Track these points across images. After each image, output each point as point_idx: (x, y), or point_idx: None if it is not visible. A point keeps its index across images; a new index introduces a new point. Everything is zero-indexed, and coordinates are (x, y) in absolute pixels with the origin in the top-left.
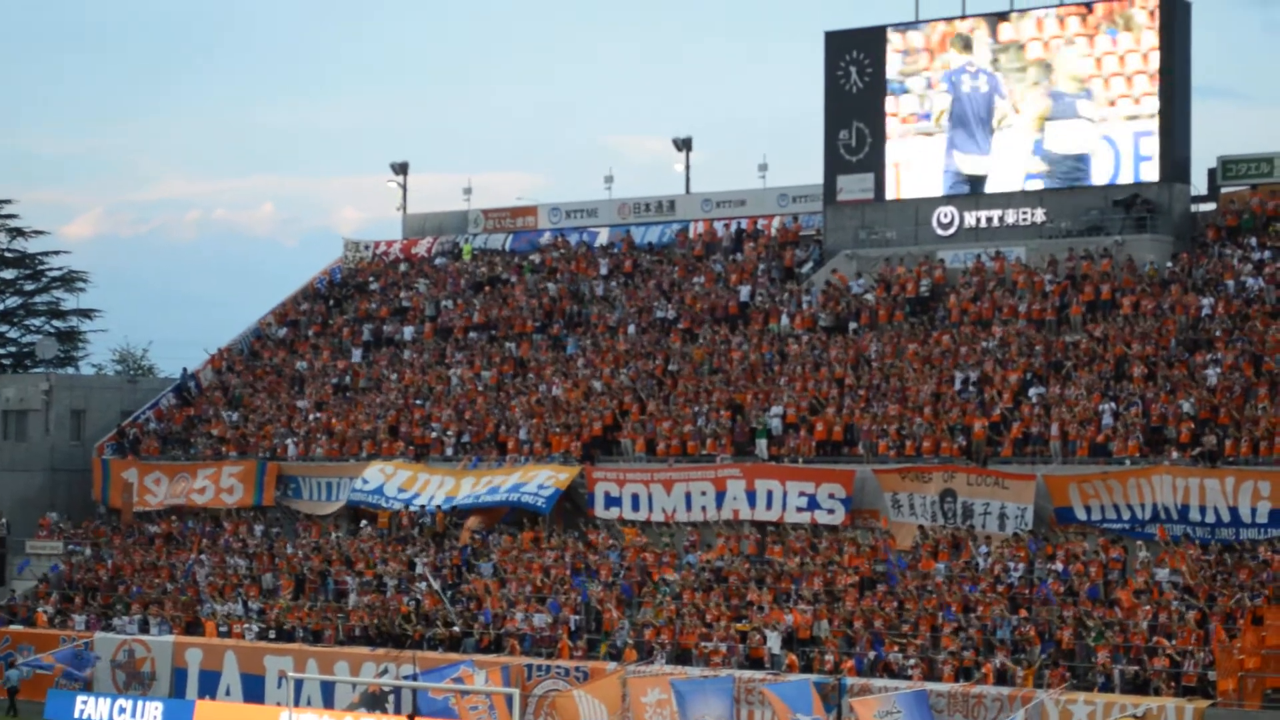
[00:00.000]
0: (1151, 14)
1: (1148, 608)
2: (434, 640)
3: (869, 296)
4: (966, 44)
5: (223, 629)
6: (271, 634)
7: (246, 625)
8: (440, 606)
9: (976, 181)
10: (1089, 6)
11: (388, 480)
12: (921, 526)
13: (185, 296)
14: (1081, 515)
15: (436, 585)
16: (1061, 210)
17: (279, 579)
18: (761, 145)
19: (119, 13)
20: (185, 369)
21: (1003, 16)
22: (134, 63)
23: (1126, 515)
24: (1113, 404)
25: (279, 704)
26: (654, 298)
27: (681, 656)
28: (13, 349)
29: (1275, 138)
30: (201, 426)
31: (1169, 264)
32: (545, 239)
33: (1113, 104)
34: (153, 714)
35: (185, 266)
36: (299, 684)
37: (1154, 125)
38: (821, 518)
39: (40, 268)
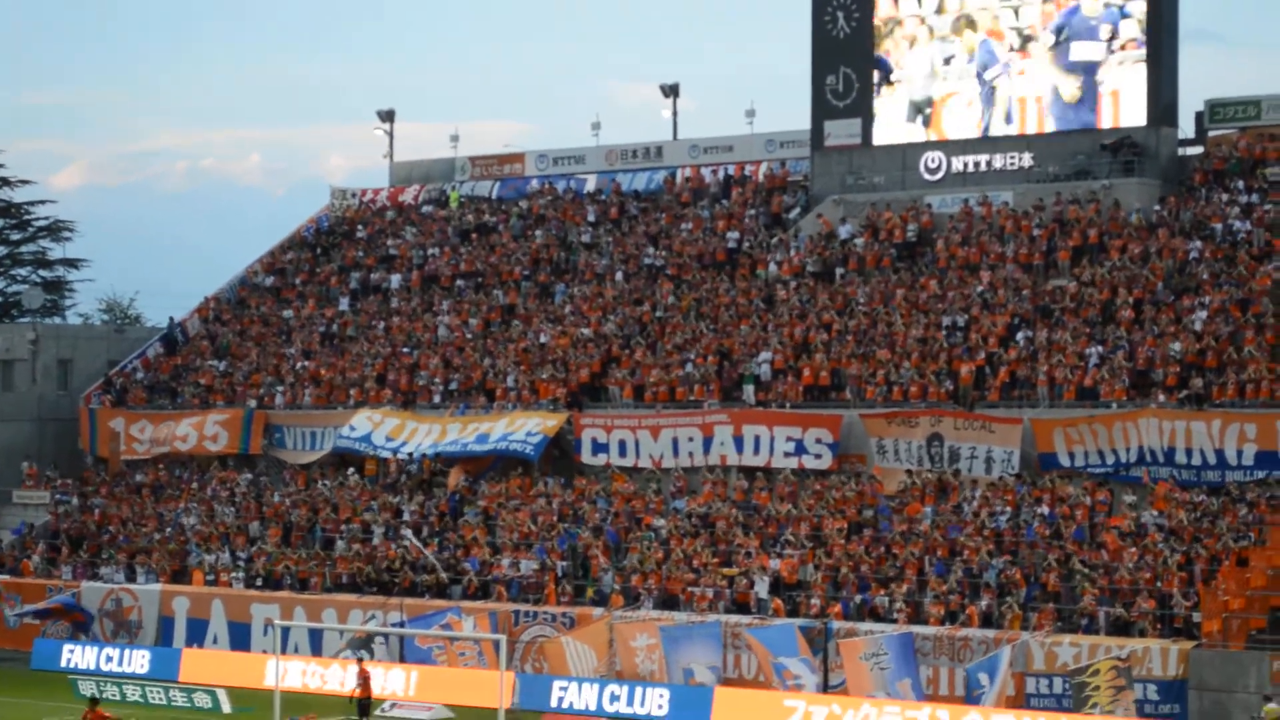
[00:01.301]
0: None
1: (1133, 550)
2: (422, 587)
3: (856, 242)
4: None
5: (210, 578)
6: (258, 582)
7: (233, 574)
8: (424, 559)
9: (963, 125)
10: None
11: (375, 428)
12: (909, 470)
13: (173, 246)
14: (1065, 461)
15: (417, 542)
16: (1049, 154)
17: (266, 527)
18: (749, 91)
19: None
20: (172, 318)
21: None
22: (122, 14)
23: (1111, 460)
24: (1100, 348)
25: (266, 652)
26: (642, 245)
27: (668, 602)
28: None
29: (1262, 81)
30: (189, 376)
31: (1156, 207)
32: (533, 186)
33: (1100, 48)
34: (140, 662)
35: (173, 216)
36: (286, 632)
37: (1142, 69)
38: (809, 463)
39: (26, 217)
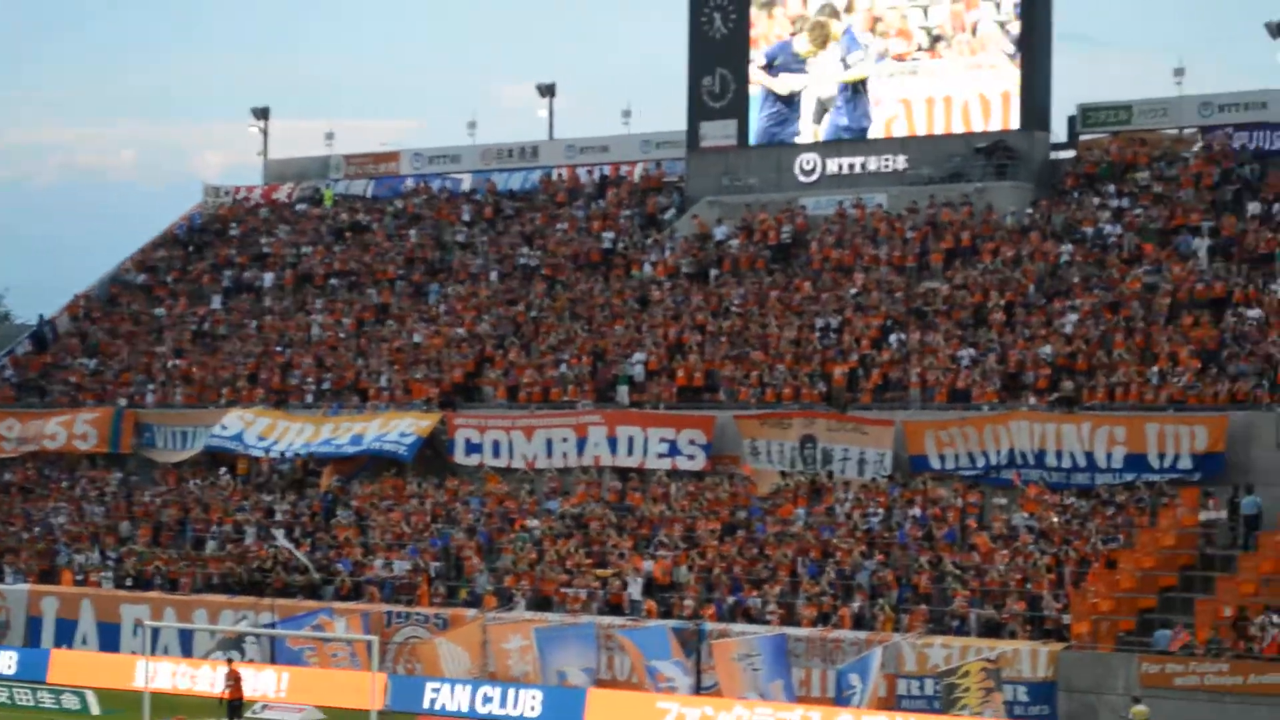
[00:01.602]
0: None
1: (1004, 553)
2: (294, 588)
3: (731, 243)
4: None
5: (79, 577)
6: (128, 582)
7: (103, 574)
8: (295, 560)
9: (838, 128)
10: None
11: (247, 427)
12: (783, 472)
13: (44, 243)
14: (936, 464)
15: (287, 543)
16: (923, 157)
17: (136, 527)
18: (625, 91)
19: None
20: (42, 316)
21: None
22: None
23: (981, 462)
24: (971, 350)
25: (135, 653)
26: (516, 244)
27: (542, 603)
28: None
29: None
30: (58, 374)
31: (1029, 210)
32: (408, 185)
33: (974, 51)
34: (7, 663)
35: (45, 212)
36: (156, 632)
37: (1015, 72)
38: (682, 464)
39: None
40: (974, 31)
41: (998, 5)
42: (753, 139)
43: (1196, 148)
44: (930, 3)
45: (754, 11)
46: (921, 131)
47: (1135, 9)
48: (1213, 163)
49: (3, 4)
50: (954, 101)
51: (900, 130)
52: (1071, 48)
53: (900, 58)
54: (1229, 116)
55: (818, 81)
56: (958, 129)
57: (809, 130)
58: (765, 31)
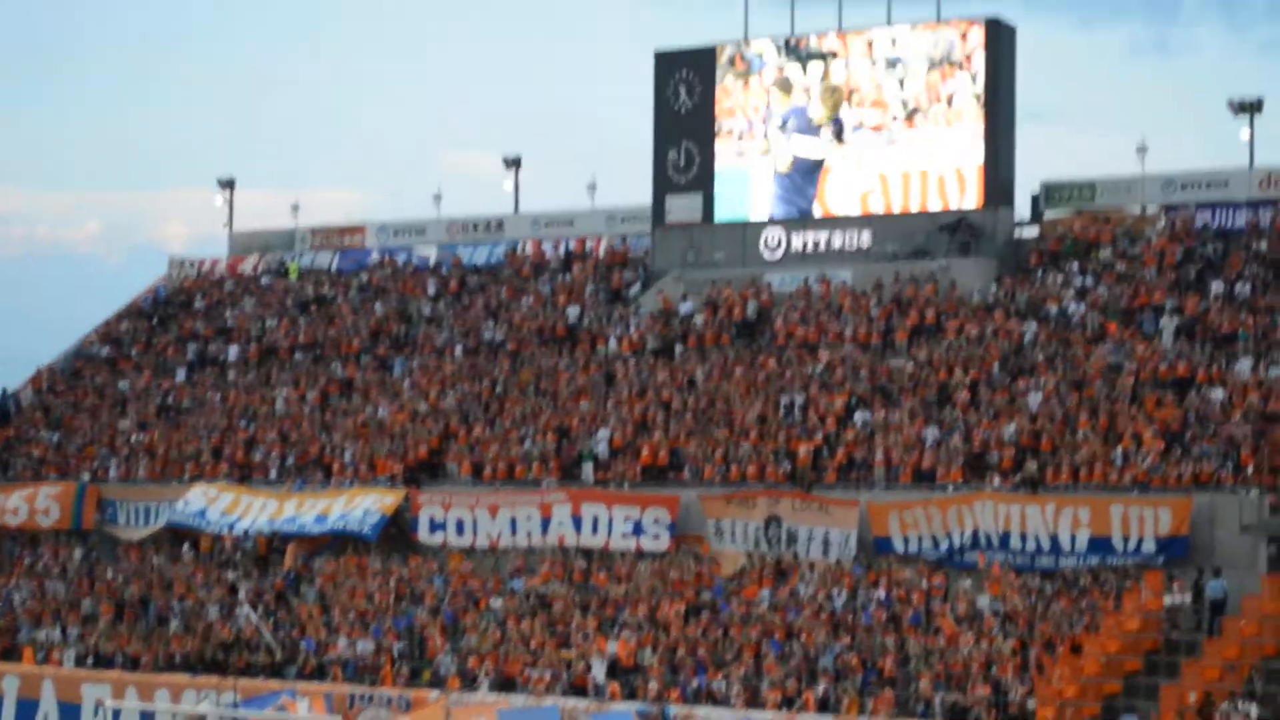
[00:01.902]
0: (977, 38)
1: (969, 635)
2: (256, 667)
3: (696, 319)
4: (795, 60)
5: (40, 655)
6: (90, 660)
7: (65, 651)
8: (259, 637)
9: (803, 205)
10: (916, 28)
11: (210, 503)
12: (747, 553)
13: (6, 313)
14: (899, 546)
15: (257, 619)
16: (887, 234)
17: (98, 604)
18: (591, 165)
19: None
20: (4, 389)
21: (830, 35)
22: None
23: (944, 544)
24: (936, 429)
25: None
26: (482, 319)
27: (506, 684)
28: None
29: (1098, 163)
30: (21, 447)
31: (993, 288)
32: (373, 258)
33: (938, 127)
34: None
35: (8, 283)
36: (117, 713)
37: (979, 150)
38: (646, 544)
39: None
40: (938, 108)
41: (964, 81)
42: (718, 214)
43: (1160, 226)
44: (895, 78)
45: (730, 81)
46: (886, 209)
47: (1098, 87)
48: (1176, 241)
49: None
50: (918, 178)
51: (864, 207)
52: (1035, 126)
53: (862, 134)
54: (1192, 195)
55: (781, 157)
56: (921, 206)
57: (774, 206)
58: (741, 103)
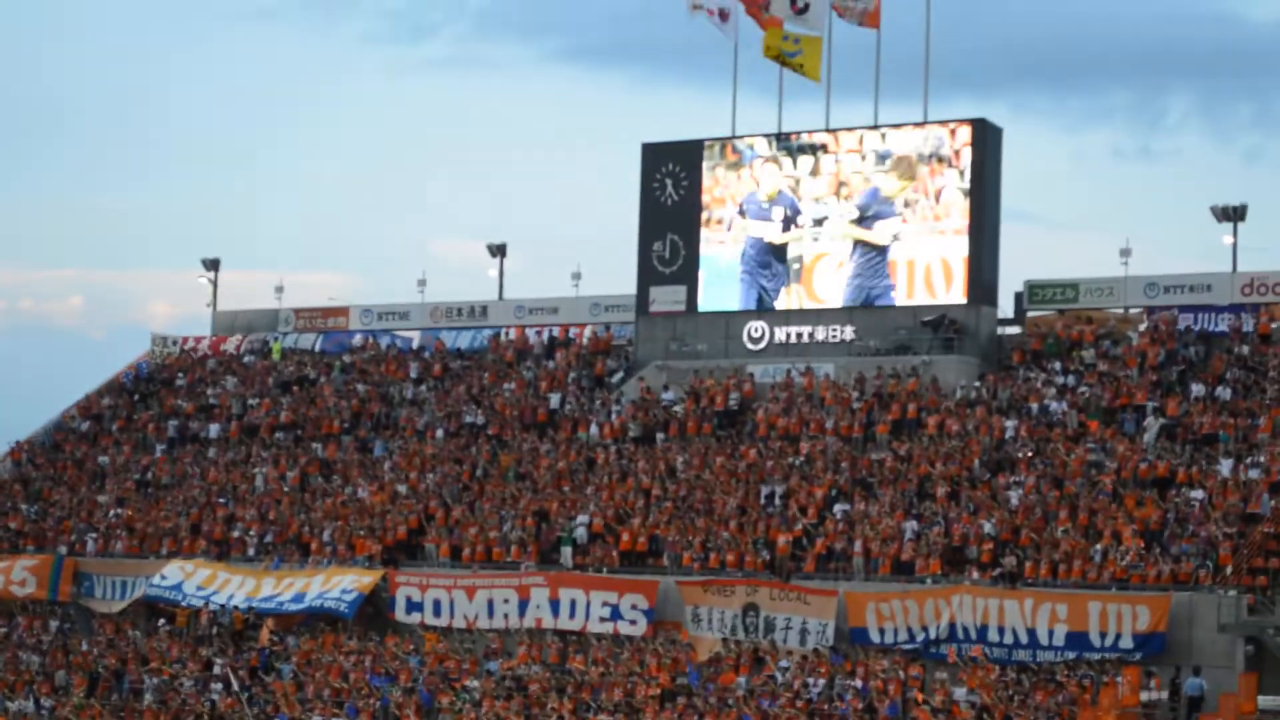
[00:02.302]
0: (963, 138)
1: None
2: None
3: (678, 408)
4: (780, 161)
5: None
6: None
7: None
8: (238, 708)
9: (783, 298)
10: (904, 127)
11: (187, 578)
12: (725, 639)
13: None
14: (875, 637)
15: (236, 685)
16: (870, 328)
17: (72, 676)
18: (576, 254)
19: None
20: None
21: (815, 133)
22: None
23: (920, 637)
24: (915, 522)
25: None
26: (464, 402)
27: None
28: None
29: (1081, 264)
30: None
31: (976, 384)
32: (356, 340)
33: (923, 225)
34: None
35: None
36: None
37: (963, 248)
38: (624, 628)
39: None
40: (923, 207)
41: (950, 180)
42: (701, 305)
43: (1142, 327)
44: (881, 177)
45: (718, 173)
46: (868, 303)
47: (1083, 191)
48: (1158, 343)
49: None
50: (902, 275)
51: (847, 302)
52: (1020, 226)
53: (844, 230)
54: (1174, 298)
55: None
56: (905, 302)
57: (756, 298)
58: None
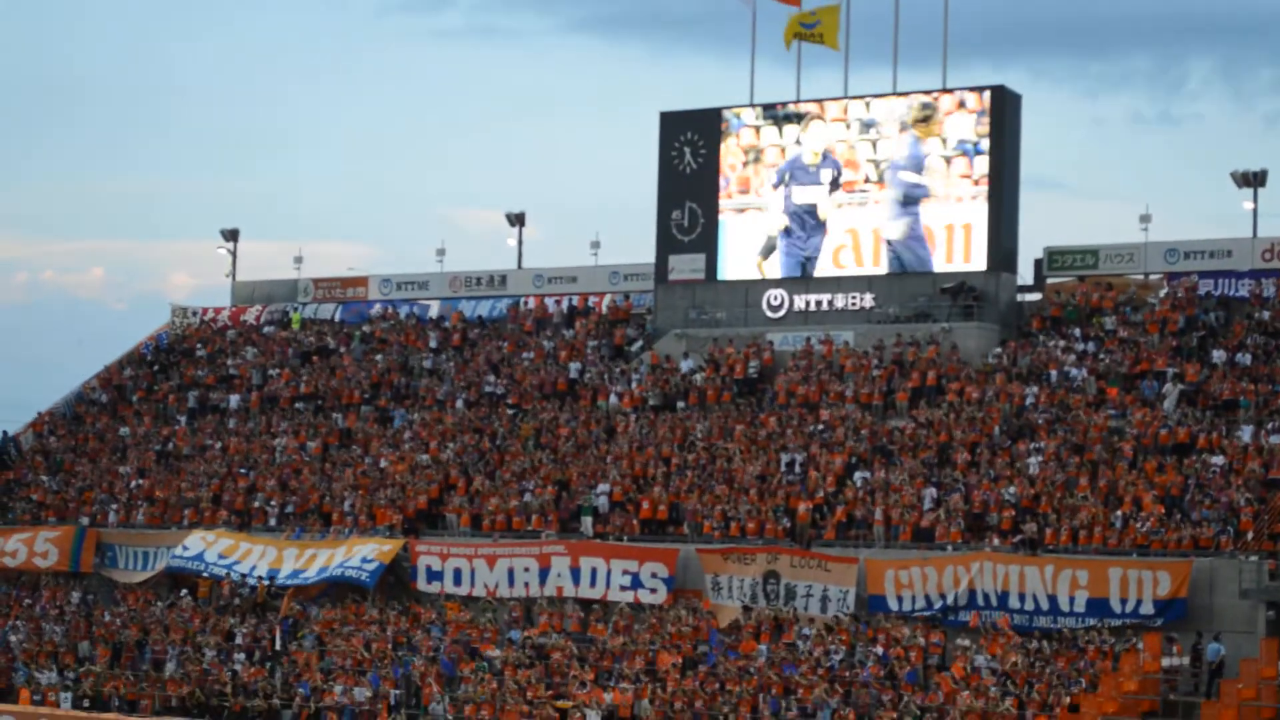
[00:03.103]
0: (982, 104)
1: (966, 694)
2: (252, 712)
3: (697, 376)
4: (800, 128)
5: (37, 697)
6: (86, 703)
7: (61, 693)
8: (261, 679)
9: (806, 265)
10: (923, 95)
11: (209, 548)
12: (745, 607)
13: (9, 358)
14: (893, 605)
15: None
16: (890, 296)
17: (95, 647)
18: (594, 223)
19: None
20: (5, 432)
21: (835, 100)
22: None
23: (938, 604)
24: (935, 490)
25: None
26: (483, 372)
27: None
28: None
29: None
30: (20, 491)
31: (997, 350)
32: (375, 310)
33: (942, 193)
34: None
35: (10, 328)
36: None
37: (983, 215)
38: (644, 597)
39: None
40: (942, 174)
41: (969, 147)
42: (720, 273)
43: (1162, 293)
44: (901, 144)
45: (735, 140)
46: (889, 270)
47: (1102, 157)
48: (1178, 309)
49: None
50: (921, 242)
51: (867, 268)
52: (1039, 193)
53: (867, 195)
54: (1194, 264)
55: (786, 216)
56: (924, 269)
57: (777, 265)
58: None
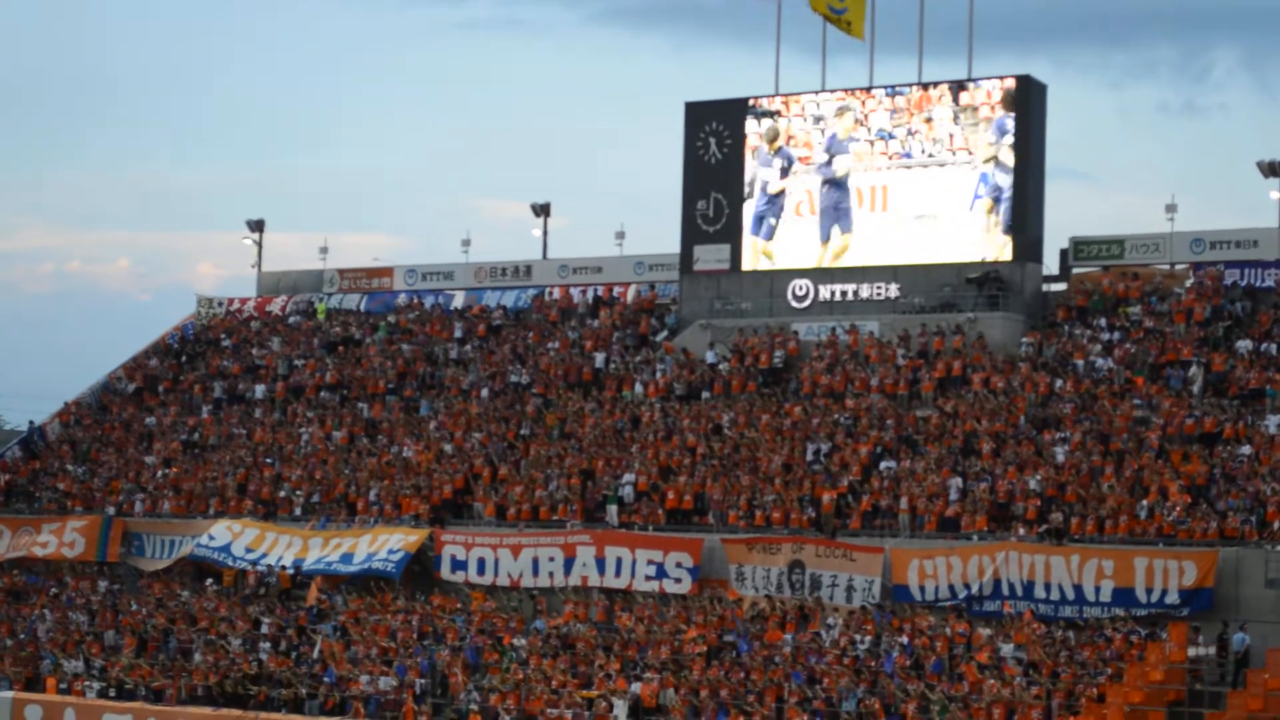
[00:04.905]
0: (1008, 94)
1: (992, 683)
2: (277, 701)
3: (723, 366)
4: (825, 120)
5: (63, 686)
6: (112, 692)
7: (87, 683)
8: (286, 668)
9: (832, 254)
10: (948, 85)
11: (235, 538)
12: (770, 596)
13: (36, 348)
14: (916, 595)
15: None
16: (915, 286)
17: (121, 636)
18: (620, 213)
19: None
20: (32, 422)
21: (862, 92)
22: None
23: (962, 593)
24: (961, 479)
25: None
26: (508, 362)
27: None
28: None
29: (1126, 220)
30: (47, 480)
31: (1026, 339)
32: (400, 300)
33: (968, 183)
34: None
35: (38, 319)
36: None
37: (1008, 204)
38: (669, 587)
39: None
40: (968, 164)
41: (994, 137)
42: (745, 264)
43: (1188, 283)
44: (926, 133)
45: (761, 129)
46: (914, 260)
47: (1129, 146)
48: (1204, 299)
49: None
50: (947, 231)
51: (892, 258)
52: (1065, 183)
53: (887, 184)
54: (1220, 253)
55: (810, 204)
56: (950, 259)
57: (802, 256)
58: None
